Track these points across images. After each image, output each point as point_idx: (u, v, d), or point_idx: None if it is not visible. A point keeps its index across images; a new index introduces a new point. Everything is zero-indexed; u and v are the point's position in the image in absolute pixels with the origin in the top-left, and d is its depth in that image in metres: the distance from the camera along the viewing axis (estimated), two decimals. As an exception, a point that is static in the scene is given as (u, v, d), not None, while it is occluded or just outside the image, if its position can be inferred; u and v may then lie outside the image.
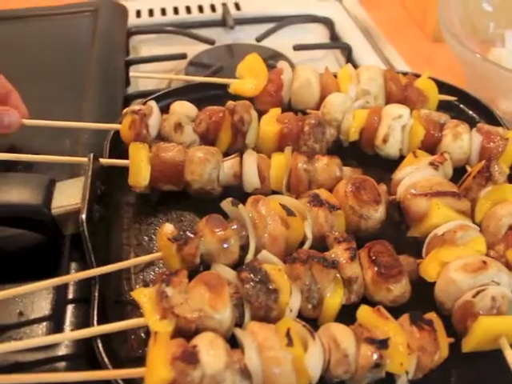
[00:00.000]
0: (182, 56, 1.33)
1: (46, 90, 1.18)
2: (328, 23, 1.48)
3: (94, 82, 1.19)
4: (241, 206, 0.88)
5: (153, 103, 1.05)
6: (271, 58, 1.35)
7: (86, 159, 0.91)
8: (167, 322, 0.75)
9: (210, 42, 1.39)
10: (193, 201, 0.98)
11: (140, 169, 0.95)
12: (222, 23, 1.48)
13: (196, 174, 0.95)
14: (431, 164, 0.96)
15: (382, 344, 0.72)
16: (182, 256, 0.83)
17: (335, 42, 1.42)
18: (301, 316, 0.80)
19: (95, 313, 0.78)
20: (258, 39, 1.40)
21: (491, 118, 1.12)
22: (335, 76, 1.14)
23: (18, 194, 0.85)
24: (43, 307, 0.82)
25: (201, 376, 0.69)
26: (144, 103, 1.06)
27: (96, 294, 0.80)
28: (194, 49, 1.39)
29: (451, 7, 1.30)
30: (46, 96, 1.16)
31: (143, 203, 0.99)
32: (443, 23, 1.28)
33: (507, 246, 0.86)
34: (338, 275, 0.82)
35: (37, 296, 0.82)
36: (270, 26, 1.43)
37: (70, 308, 0.82)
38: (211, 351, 0.70)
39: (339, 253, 0.83)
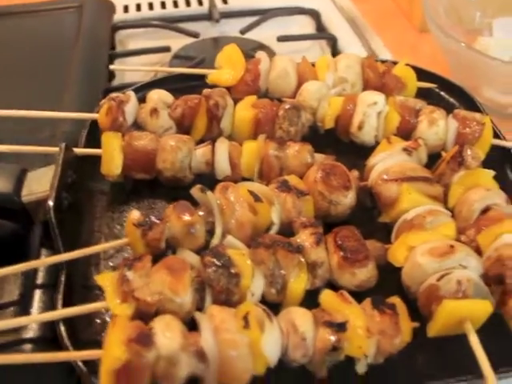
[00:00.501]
0: (166, 49, 1.34)
1: (28, 85, 1.20)
2: (314, 14, 1.47)
3: (76, 76, 1.20)
4: (209, 192, 0.88)
5: (131, 92, 1.06)
6: (255, 50, 1.34)
7: (57, 149, 0.92)
8: (127, 306, 0.75)
9: (194, 35, 1.40)
10: (165, 189, 0.98)
11: (112, 158, 0.95)
12: (209, 17, 1.49)
13: (168, 162, 0.95)
14: (405, 150, 0.95)
15: (340, 327, 0.72)
16: (146, 241, 0.83)
17: (320, 32, 1.42)
18: (265, 301, 0.81)
19: (60, 297, 0.79)
20: (243, 31, 1.41)
21: (471, 104, 1.11)
22: (313, 65, 1.13)
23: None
24: (12, 292, 0.82)
25: (155, 357, 0.69)
26: (123, 93, 1.07)
27: (62, 279, 0.81)
28: (180, 42, 1.40)
29: (436, -3, 1.29)
30: (29, 91, 1.18)
31: (116, 192, 0.99)
32: (428, 13, 1.28)
33: (478, 231, 0.85)
34: (302, 260, 0.81)
35: (5, 281, 0.83)
36: (256, 18, 1.43)
37: (38, 293, 0.83)
38: (167, 333, 0.70)
39: (305, 238, 0.83)
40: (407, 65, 1.12)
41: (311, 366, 0.74)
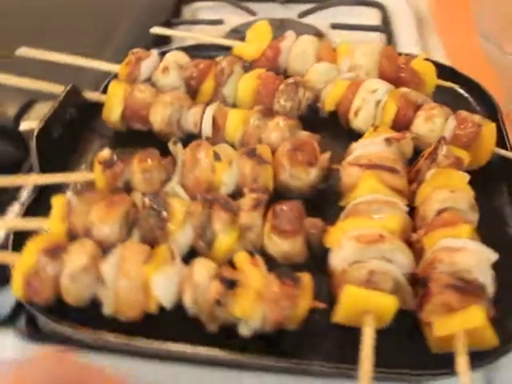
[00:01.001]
0: (219, 22, 1.41)
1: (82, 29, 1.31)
2: (379, 7, 1.44)
3: (127, 31, 1.30)
4: (179, 145, 0.93)
5: (154, 51, 1.13)
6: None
7: (62, 87, 1.02)
8: (61, 225, 0.83)
9: (252, 13, 1.44)
10: (160, 144, 1.03)
11: (113, 105, 1.04)
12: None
13: (158, 115, 1.01)
14: (386, 140, 0.92)
15: (230, 284, 0.73)
16: (106, 178, 0.90)
17: (375, 25, 1.38)
18: (196, 253, 0.84)
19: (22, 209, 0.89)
20: (300, 15, 1.42)
21: (491, 108, 1.04)
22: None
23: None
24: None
25: (58, 271, 0.76)
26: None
27: (30, 198, 0.91)
28: (241, 19, 1.45)
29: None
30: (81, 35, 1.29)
31: (113, 138, 1.07)
32: (477, 21, 1.20)
33: (427, 232, 0.81)
34: (234, 220, 0.83)
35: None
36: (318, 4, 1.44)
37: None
38: (77, 254, 0.77)
39: (245, 201, 0.85)
40: (428, 60, 1.07)
41: (202, 316, 0.75)
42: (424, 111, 0.97)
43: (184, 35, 1.22)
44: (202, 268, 0.76)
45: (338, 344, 0.76)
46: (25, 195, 0.95)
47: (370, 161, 0.88)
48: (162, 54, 1.13)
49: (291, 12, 1.44)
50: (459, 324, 0.69)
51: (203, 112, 1.01)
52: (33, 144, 0.92)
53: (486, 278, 0.73)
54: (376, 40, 1.26)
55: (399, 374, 0.71)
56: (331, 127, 1.06)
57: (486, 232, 0.82)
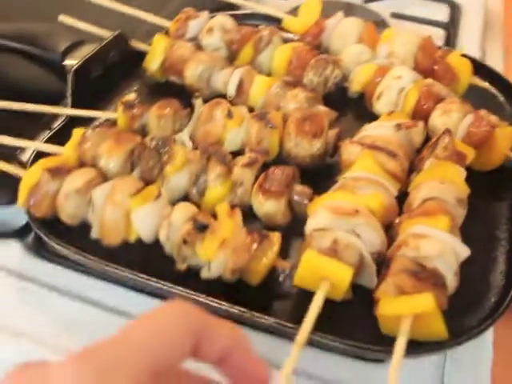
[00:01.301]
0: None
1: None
2: (451, 4, 1.41)
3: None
4: (199, 100, 0.99)
5: (204, 12, 1.19)
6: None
7: (106, 33, 1.10)
8: (74, 152, 0.91)
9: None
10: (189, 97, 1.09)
11: (154, 55, 1.11)
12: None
13: (190, 69, 1.07)
14: (396, 125, 0.93)
15: (201, 227, 0.78)
16: (125, 118, 0.97)
17: (434, 20, 1.36)
18: (189, 199, 0.89)
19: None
20: (366, 0, 1.43)
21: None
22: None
23: (46, 39, 1.07)
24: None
25: (57, 189, 0.84)
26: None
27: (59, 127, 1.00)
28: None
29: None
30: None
31: (149, 88, 1.14)
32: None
33: (408, 218, 0.82)
34: (227, 174, 0.87)
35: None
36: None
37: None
38: (76, 177, 0.85)
39: (241, 158, 0.89)
40: (465, 56, 1.05)
41: (173, 254, 0.80)
42: (443, 104, 0.96)
43: (238, 2, 1.26)
44: (182, 209, 0.81)
45: (296, 306, 0.79)
46: (55, 125, 1.04)
47: (372, 142, 0.89)
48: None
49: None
50: (405, 307, 0.70)
51: (232, 73, 1.05)
52: (69, 79, 1.01)
53: (448, 270, 0.73)
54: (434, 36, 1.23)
55: (336, 341, 0.72)
56: (356, 108, 1.07)
57: (473, 232, 0.83)
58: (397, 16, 1.37)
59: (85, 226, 0.85)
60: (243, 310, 0.75)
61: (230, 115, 0.95)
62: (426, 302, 0.70)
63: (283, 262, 0.80)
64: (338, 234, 0.76)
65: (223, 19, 1.16)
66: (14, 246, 0.91)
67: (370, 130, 0.94)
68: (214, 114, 0.97)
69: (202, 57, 1.07)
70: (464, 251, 0.76)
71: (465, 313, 0.77)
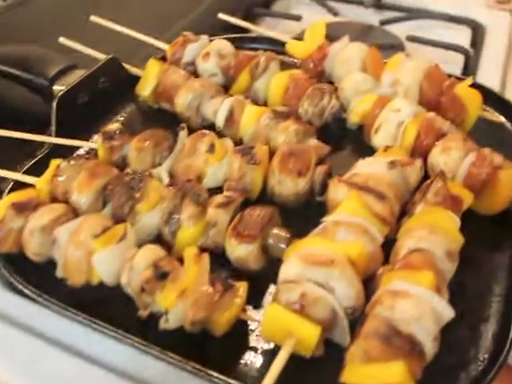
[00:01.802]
0: (297, 18, 1.38)
1: None
2: (473, 27, 1.32)
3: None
4: (183, 132, 0.94)
5: (204, 36, 1.14)
6: (385, 47, 1.27)
7: (103, 56, 1.07)
8: (47, 186, 0.87)
9: (335, 13, 1.39)
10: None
11: (147, 80, 1.07)
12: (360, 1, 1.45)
13: (181, 97, 1.03)
14: (391, 163, 0.86)
15: (161, 274, 0.72)
16: (105, 149, 0.93)
17: (452, 44, 1.27)
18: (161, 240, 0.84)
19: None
20: (383, 22, 1.35)
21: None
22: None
23: (37, 64, 1.05)
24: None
25: (21, 226, 0.80)
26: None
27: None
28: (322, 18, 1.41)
29: None
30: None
31: (137, 115, 1.10)
32: None
33: (391, 269, 0.74)
34: (201, 215, 0.82)
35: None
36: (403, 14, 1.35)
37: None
38: (42, 214, 0.81)
39: (218, 198, 0.83)
40: (475, 85, 0.97)
41: (135, 300, 0.76)
42: (444, 141, 0.88)
43: (245, 25, 1.21)
44: (145, 253, 0.76)
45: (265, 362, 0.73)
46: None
47: (363, 181, 0.82)
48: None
49: (374, 17, 1.38)
50: (372, 376, 0.63)
51: (222, 103, 1.00)
52: (53, 106, 0.98)
53: (426, 336, 0.65)
54: (452, 61, 1.15)
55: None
56: (355, 141, 1.01)
57: (468, 285, 0.75)
58: (413, 39, 1.29)
59: (52, 263, 0.81)
60: (198, 367, 0.69)
61: (211, 149, 0.90)
62: (395, 372, 0.62)
63: (248, 314, 0.74)
64: (306, 288, 0.70)
65: (220, 44, 1.11)
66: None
67: (362, 167, 0.87)
68: (198, 147, 0.92)
69: (193, 84, 1.03)
70: (448, 313, 0.68)
71: (446, 381, 0.69)
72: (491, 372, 0.68)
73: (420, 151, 0.91)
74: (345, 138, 1.01)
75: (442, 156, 0.87)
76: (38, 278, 0.81)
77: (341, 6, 1.44)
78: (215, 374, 0.69)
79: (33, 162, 0.95)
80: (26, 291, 0.79)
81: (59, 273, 0.80)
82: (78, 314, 0.76)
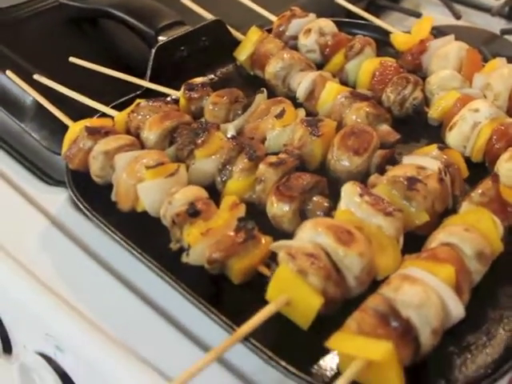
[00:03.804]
0: (417, 15, 1.36)
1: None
2: None
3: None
4: (260, 95, 0.98)
5: (312, 14, 1.17)
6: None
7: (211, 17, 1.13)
8: (123, 119, 0.95)
9: (457, 16, 1.35)
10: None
11: (245, 45, 1.12)
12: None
13: (270, 66, 1.06)
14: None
15: (193, 212, 0.76)
16: (185, 99, 0.99)
17: None
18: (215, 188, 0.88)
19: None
20: (503, 31, 1.29)
21: None
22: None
23: (149, 15, 1.14)
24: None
25: (89, 147, 0.88)
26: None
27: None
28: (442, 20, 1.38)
29: None
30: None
31: (231, 77, 1.15)
32: None
33: (416, 257, 0.72)
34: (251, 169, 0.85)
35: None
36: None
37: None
38: (111, 140, 0.89)
39: (271, 158, 0.86)
40: None
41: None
42: (515, 147, 0.84)
43: (357, 11, 1.22)
44: (189, 191, 0.81)
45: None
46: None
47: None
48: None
49: (494, 26, 1.32)
50: (356, 347, 0.63)
51: (306, 76, 1.02)
52: (152, 54, 1.06)
53: (424, 325, 0.63)
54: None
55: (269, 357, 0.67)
56: (432, 137, 0.98)
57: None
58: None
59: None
60: (207, 305, 0.72)
61: (280, 115, 0.92)
62: (381, 350, 0.61)
63: (265, 268, 0.75)
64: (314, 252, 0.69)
65: (324, 23, 1.13)
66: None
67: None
68: (270, 111, 0.95)
69: (283, 55, 1.06)
70: (458, 311, 0.66)
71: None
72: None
73: (490, 155, 0.88)
74: (423, 133, 0.99)
75: (508, 163, 0.83)
76: (98, 199, 0.88)
77: (466, 10, 1.39)
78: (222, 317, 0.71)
79: (122, 100, 1.03)
80: (81, 207, 0.87)
81: (113, 196, 0.87)
82: (116, 233, 0.82)
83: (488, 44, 1.27)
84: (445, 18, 1.38)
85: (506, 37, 1.29)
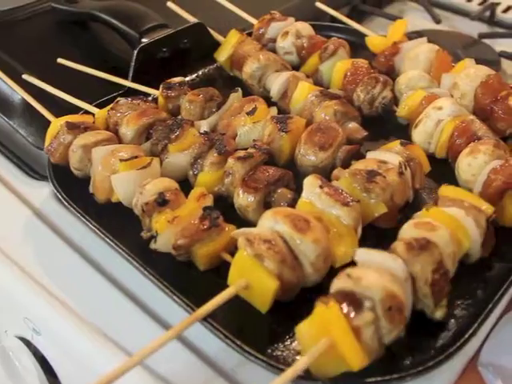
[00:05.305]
0: (396, 19, 1.39)
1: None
2: None
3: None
4: (234, 94, 1.02)
5: (291, 18, 1.21)
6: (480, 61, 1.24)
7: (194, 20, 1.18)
8: (103, 115, 1.00)
9: (437, 21, 1.38)
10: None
11: (225, 47, 1.17)
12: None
13: (247, 66, 1.10)
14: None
15: (162, 201, 0.80)
16: (162, 97, 1.04)
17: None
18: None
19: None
20: (481, 36, 1.32)
21: None
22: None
23: (134, 18, 1.19)
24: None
25: (69, 142, 0.93)
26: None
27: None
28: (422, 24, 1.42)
29: None
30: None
31: (210, 78, 1.19)
32: None
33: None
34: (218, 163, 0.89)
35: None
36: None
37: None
38: (90, 135, 0.93)
39: (240, 152, 0.90)
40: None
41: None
42: (475, 144, 0.87)
43: (338, 16, 1.26)
44: (159, 183, 0.84)
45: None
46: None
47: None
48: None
49: (473, 30, 1.36)
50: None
51: (279, 76, 1.06)
52: (134, 53, 1.10)
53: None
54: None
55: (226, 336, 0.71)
56: (400, 136, 1.01)
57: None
58: (503, 55, 1.26)
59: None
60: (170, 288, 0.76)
61: (251, 112, 0.97)
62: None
63: (229, 255, 0.79)
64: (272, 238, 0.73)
65: (301, 26, 1.18)
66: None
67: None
68: (244, 109, 0.99)
69: (260, 56, 1.10)
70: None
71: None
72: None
73: (452, 151, 0.91)
74: (393, 131, 1.02)
75: (468, 158, 0.86)
76: (78, 191, 0.93)
77: (448, 15, 1.43)
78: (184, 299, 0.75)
79: (104, 98, 1.07)
80: (60, 197, 0.91)
81: (90, 188, 0.91)
82: (90, 222, 0.86)
83: (466, 47, 1.31)
84: (427, 23, 1.42)
85: (484, 40, 1.33)
